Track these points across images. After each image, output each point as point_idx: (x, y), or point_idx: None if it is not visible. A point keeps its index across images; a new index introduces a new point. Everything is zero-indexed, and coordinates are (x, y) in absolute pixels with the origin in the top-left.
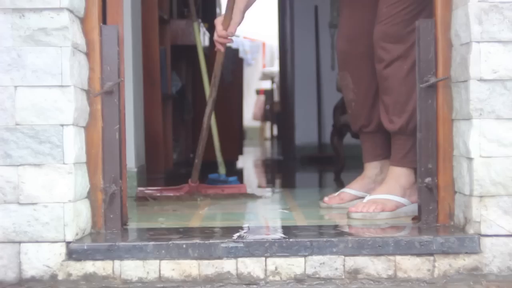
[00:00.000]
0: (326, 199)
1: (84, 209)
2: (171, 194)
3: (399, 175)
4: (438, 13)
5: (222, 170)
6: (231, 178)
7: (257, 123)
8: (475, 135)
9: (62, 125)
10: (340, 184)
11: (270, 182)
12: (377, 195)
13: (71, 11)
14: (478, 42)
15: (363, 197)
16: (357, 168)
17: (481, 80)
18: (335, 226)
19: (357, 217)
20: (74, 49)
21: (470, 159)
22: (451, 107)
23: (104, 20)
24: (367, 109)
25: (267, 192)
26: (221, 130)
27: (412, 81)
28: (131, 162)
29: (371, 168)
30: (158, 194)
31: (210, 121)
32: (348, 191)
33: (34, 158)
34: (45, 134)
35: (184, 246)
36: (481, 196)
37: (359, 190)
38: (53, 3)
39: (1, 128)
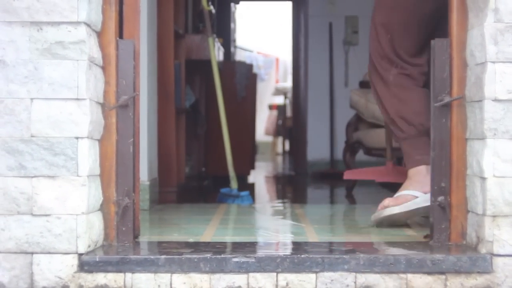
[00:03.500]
0: None
1: (96, 221)
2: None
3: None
4: (454, 32)
5: (234, 184)
6: (243, 193)
7: (269, 138)
8: (489, 155)
9: (77, 138)
10: (352, 201)
11: (282, 198)
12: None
13: (88, 25)
14: (494, 62)
15: None
16: (369, 184)
17: (495, 100)
18: (347, 243)
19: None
20: (91, 62)
21: (483, 178)
22: (465, 126)
23: (120, 34)
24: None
25: None
26: (234, 145)
27: None
28: (144, 175)
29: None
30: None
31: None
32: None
33: (49, 170)
34: (60, 146)
35: (195, 260)
36: (494, 216)
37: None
38: (71, 17)
39: (16, 139)
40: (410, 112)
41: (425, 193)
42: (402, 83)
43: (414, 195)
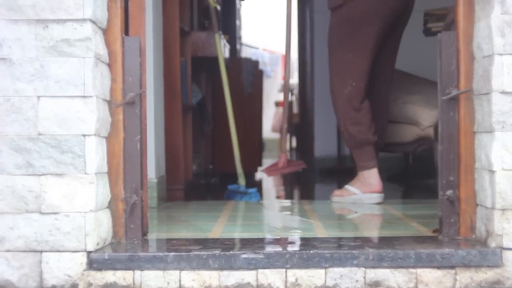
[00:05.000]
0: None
1: (105, 219)
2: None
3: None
4: (460, 25)
5: (241, 181)
6: (251, 190)
7: (276, 135)
8: (497, 148)
9: (84, 135)
10: None
11: (289, 194)
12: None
13: (94, 22)
14: (501, 54)
15: None
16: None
17: (503, 92)
18: (356, 238)
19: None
20: (97, 60)
21: (492, 171)
22: (473, 120)
23: (126, 31)
24: None
25: None
26: (241, 142)
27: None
28: (151, 172)
29: None
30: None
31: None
32: None
33: (56, 168)
34: (67, 144)
35: (204, 256)
36: (503, 209)
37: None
38: (76, 14)
39: (23, 137)
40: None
41: (363, 192)
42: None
43: (355, 192)
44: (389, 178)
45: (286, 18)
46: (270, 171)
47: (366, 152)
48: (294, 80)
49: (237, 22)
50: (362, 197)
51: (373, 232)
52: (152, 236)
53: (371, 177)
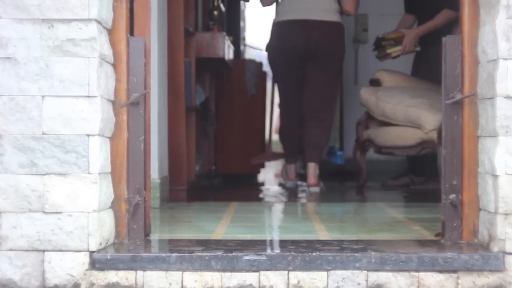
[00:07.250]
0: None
1: (108, 219)
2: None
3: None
4: (465, 29)
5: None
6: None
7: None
8: (501, 152)
9: (88, 135)
10: (362, 199)
11: (292, 196)
12: None
13: (99, 23)
14: (506, 59)
15: None
16: (380, 182)
17: (507, 97)
18: (358, 241)
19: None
20: (102, 60)
21: (495, 176)
22: (477, 124)
23: (131, 31)
24: None
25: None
26: (243, 143)
27: None
28: (154, 173)
29: None
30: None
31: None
32: None
33: (60, 168)
34: (71, 144)
35: (207, 258)
36: (506, 214)
37: None
38: (82, 14)
39: (27, 137)
40: None
41: (285, 178)
42: None
43: (284, 177)
44: (389, 180)
45: None
46: (256, 159)
47: (290, 155)
48: None
49: (241, 24)
50: (285, 182)
51: (375, 235)
52: (154, 236)
53: (289, 169)
